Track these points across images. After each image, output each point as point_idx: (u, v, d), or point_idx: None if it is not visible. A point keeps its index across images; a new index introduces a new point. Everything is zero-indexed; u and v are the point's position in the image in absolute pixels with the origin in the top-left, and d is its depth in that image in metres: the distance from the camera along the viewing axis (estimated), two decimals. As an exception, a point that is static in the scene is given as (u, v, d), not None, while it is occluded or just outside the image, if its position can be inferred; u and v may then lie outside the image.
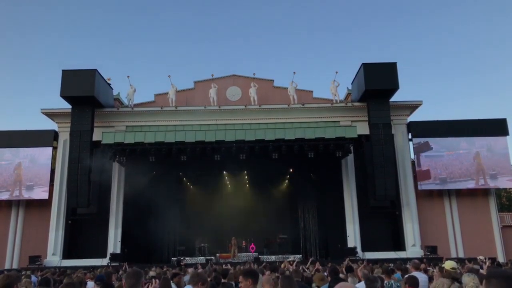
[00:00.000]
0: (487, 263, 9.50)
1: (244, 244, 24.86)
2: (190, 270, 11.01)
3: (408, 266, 9.16)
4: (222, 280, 6.86)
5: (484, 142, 22.88)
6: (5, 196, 22.15)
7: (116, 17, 63.38)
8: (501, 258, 21.07)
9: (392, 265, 11.51)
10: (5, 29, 58.76)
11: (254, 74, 23.76)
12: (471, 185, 22.53)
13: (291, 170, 25.94)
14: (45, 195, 22.08)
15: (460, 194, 23.02)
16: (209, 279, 7.49)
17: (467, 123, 23.31)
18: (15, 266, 21.34)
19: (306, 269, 10.22)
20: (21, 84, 61.20)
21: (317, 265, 10.28)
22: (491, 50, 61.53)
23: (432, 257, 19.22)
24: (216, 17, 64.80)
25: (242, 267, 11.55)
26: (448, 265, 6.40)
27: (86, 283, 7.64)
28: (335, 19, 63.43)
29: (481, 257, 14.87)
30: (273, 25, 64.69)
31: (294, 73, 22.88)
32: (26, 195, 22.27)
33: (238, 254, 23.22)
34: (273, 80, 24.38)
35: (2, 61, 58.87)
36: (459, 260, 16.76)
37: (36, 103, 65.82)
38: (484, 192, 23.08)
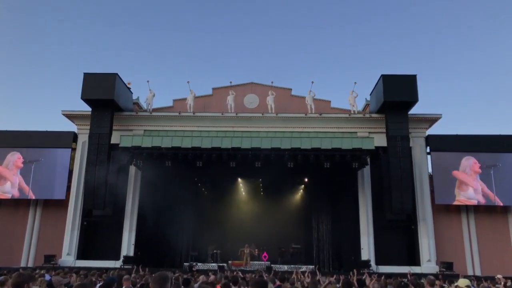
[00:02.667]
0: (502, 282, 9.25)
1: (256, 252, 24.75)
2: (202, 277, 10.99)
3: (423, 281, 8.96)
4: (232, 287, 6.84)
5: (509, 159, 22.35)
6: (23, 195, 22.53)
7: (137, 22, 64.39)
8: (519, 278, 20.52)
9: (406, 279, 11.31)
10: (27, 29, 60.22)
11: (272, 82, 23.87)
12: (491, 202, 21.99)
13: (306, 179, 25.83)
14: (62, 196, 22.40)
15: (478, 210, 22.55)
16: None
17: (490, 138, 22.82)
18: (30, 264, 21.67)
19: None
20: (41, 85, 62.46)
21: (319, 277, 10.16)
22: (515, 64, 60.40)
23: (447, 273, 18.83)
24: (235, 26, 65.29)
25: (254, 275, 11.51)
26: (462, 283, 6.25)
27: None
28: (355, 30, 63.23)
29: (499, 276, 14.51)
30: (293, 35, 64.84)
31: (312, 82, 22.95)
32: (44, 195, 22.63)
33: (251, 262, 23.12)
34: (291, 89, 24.39)
35: (23, 61, 60.24)
36: (476, 278, 16.40)
37: (55, 104, 66.95)
38: (503, 209, 22.56)
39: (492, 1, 55.69)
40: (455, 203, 22.04)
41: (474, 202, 22.00)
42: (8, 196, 22.50)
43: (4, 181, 22.59)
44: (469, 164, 22.27)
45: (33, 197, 22.67)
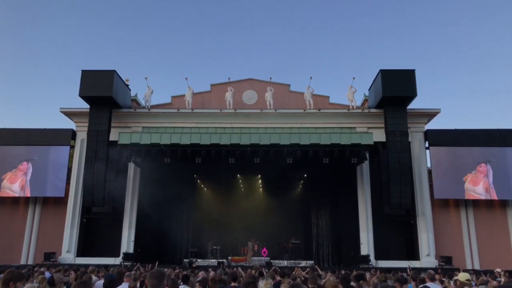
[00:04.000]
0: (503, 277, 9.27)
1: (256, 248, 24.79)
2: (201, 273, 11.00)
3: (423, 275, 8.98)
4: (232, 283, 6.85)
5: (507, 153, 22.31)
6: (23, 193, 22.52)
7: (135, 20, 64.32)
8: (518, 272, 20.58)
9: (406, 274, 11.34)
10: (25, 28, 60.04)
11: (270, 78, 23.83)
12: (491, 196, 22.00)
13: (305, 175, 25.85)
14: (61, 193, 22.39)
15: (477, 204, 22.58)
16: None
17: (489, 132, 22.82)
18: (30, 262, 21.67)
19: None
20: (38, 83, 62.38)
21: (319, 272, 10.17)
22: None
23: (447, 267, 18.90)
24: (233, 23, 65.19)
25: (254, 271, 11.52)
26: (462, 277, 6.27)
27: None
28: (354, 25, 63.22)
29: (498, 270, 14.57)
30: (291, 30, 64.78)
31: (310, 78, 22.91)
32: (43, 192, 22.61)
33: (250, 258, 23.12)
34: (289, 85, 24.35)
35: (22, 59, 60.18)
36: (475, 272, 16.46)
37: (53, 102, 66.93)
38: (502, 203, 22.60)
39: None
40: (466, 197, 21.94)
41: (481, 197, 21.92)
42: (15, 195, 22.52)
43: (11, 180, 22.60)
44: (469, 160, 22.25)
45: (32, 195, 22.67)
